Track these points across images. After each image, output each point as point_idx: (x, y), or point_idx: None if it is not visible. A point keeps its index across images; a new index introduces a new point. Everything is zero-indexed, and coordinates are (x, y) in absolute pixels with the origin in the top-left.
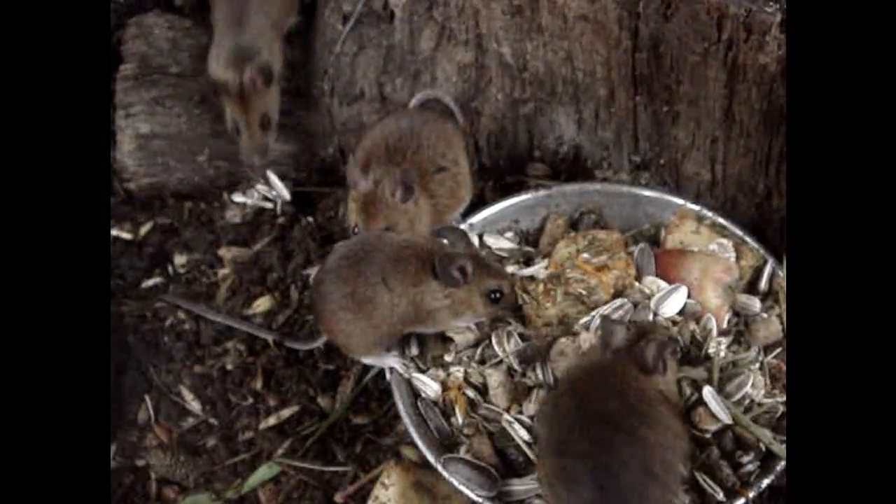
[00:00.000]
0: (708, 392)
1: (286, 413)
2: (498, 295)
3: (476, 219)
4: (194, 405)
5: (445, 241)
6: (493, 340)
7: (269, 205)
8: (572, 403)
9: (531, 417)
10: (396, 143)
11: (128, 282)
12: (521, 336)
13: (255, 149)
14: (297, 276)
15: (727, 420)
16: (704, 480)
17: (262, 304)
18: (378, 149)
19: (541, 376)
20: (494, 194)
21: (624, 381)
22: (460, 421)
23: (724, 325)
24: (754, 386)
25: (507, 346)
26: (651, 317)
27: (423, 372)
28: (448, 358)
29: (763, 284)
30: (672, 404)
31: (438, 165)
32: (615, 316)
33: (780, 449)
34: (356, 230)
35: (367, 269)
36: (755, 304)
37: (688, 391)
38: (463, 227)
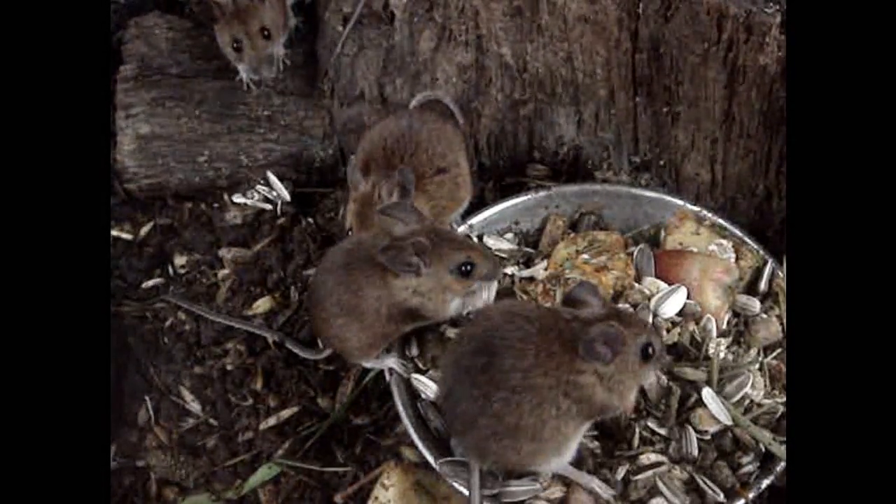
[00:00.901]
0: (707, 393)
1: (286, 414)
2: (469, 267)
3: (476, 220)
4: (194, 406)
5: (397, 220)
6: None
7: (269, 206)
8: (484, 338)
9: None
10: (395, 144)
11: (128, 282)
12: None
13: (261, 60)
14: (297, 277)
15: (727, 421)
16: (704, 481)
17: (263, 304)
18: (377, 150)
19: None
20: (494, 195)
21: (544, 349)
22: None
23: (724, 326)
24: (754, 387)
25: None
26: (651, 317)
27: (422, 372)
28: None
29: (763, 285)
30: (587, 407)
31: (437, 167)
32: None
33: (779, 450)
34: (350, 232)
35: (347, 277)
36: (755, 304)
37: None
38: (463, 227)
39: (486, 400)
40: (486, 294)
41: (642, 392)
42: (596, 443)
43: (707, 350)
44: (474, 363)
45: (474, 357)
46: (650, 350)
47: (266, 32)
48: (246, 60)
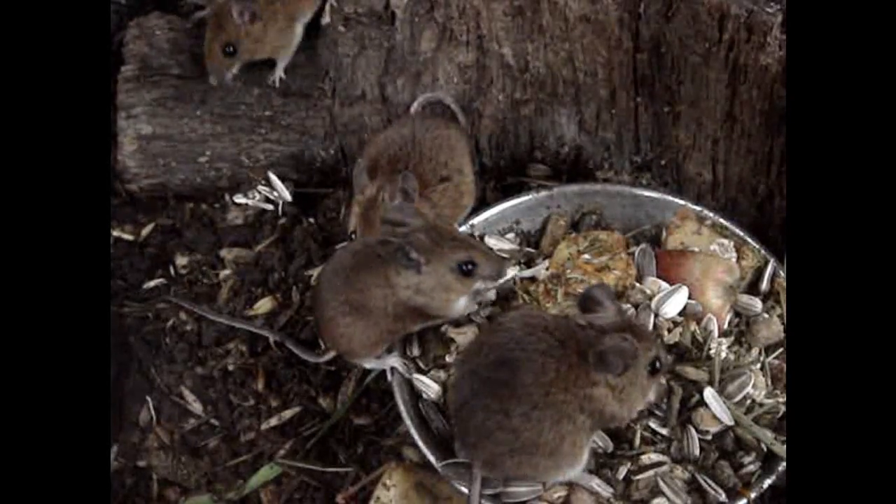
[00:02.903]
0: (709, 393)
1: (288, 414)
2: (470, 266)
3: (477, 220)
4: (196, 406)
5: (399, 220)
6: None
7: (270, 206)
8: (495, 344)
9: None
10: (399, 152)
11: (129, 283)
12: None
13: (213, 69)
14: (298, 277)
15: (729, 421)
16: (705, 481)
17: (264, 305)
18: (383, 156)
19: None
20: (495, 195)
21: (564, 363)
22: None
23: (726, 326)
24: (755, 386)
25: None
26: (652, 317)
27: (424, 373)
28: (449, 359)
29: (764, 285)
30: (598, 418)
31: (441, 176)
32: None
33: (781, 449)
34: (353, 235)
35: (353, 276)
36: (756, 304)
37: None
38: (464, 228)
39: (506, 415)
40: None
41: None
42: (597, 442)
43: (708, 350)
44: (494, 376)
45: (494, 370)
46: (657, 364)
47: (229, 50)
48: (207, 65)
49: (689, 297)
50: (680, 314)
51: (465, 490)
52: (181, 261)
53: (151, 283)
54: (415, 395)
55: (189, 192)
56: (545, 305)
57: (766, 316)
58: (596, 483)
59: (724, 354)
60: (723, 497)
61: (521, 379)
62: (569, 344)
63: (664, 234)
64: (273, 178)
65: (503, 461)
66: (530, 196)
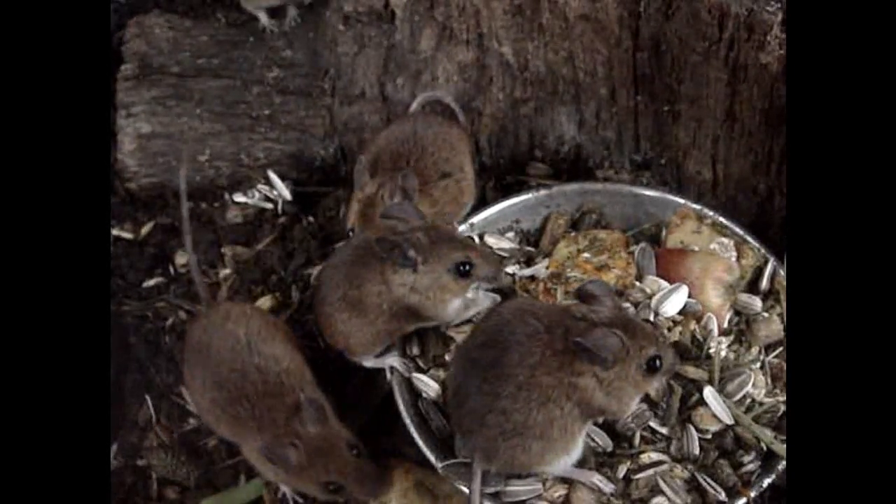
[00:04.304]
0: (709, 392)
1: None
2: (467, 267)
3: (477, 219)
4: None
5: (400, 217)
6: None
7: (269, 205)
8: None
9: None
10: (400, 148)
11: (129, 282)
12: None
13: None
14: (298, 276)
15: (728, 420)
16: (705, 480)
17: (264, 303)
18: (384, 153)
19: None
20: (495, 194)
21: (549, 348)
22: None
23: (725, 325)
24: (755, 385)
25: None
26: (652, 316)
27: (423, 372)
28: (448, 357)
29: (764, 284)
30: (587, 408)
31: (442, 172)
32: None
33: (781, 448)
34: (352, 232)
35: (351, 272)
36: (756, 303)
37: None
38: (463, 227)
39: (495, 396)
40: (486, 296)
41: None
42: (597, 441)
43: (708, 349)
44: (483, 357)
45: (483, 351)
46: (657, 362)
47: None
48: None
49: (689, 296)
50: (680, 313)
51: (465, 489)
52: (181, 259)
53: (151, 282)
54: (414, 394)
55: (188, 191)
56: None
57: (765, 315)
58: (597, 479)
59: (723, 353)
60: (722, 496)
61: (507, 359)
62: (556, 331)
63: (664, 232)
64: (273, 176)
65: (497, 446)
66: (530, 195)
